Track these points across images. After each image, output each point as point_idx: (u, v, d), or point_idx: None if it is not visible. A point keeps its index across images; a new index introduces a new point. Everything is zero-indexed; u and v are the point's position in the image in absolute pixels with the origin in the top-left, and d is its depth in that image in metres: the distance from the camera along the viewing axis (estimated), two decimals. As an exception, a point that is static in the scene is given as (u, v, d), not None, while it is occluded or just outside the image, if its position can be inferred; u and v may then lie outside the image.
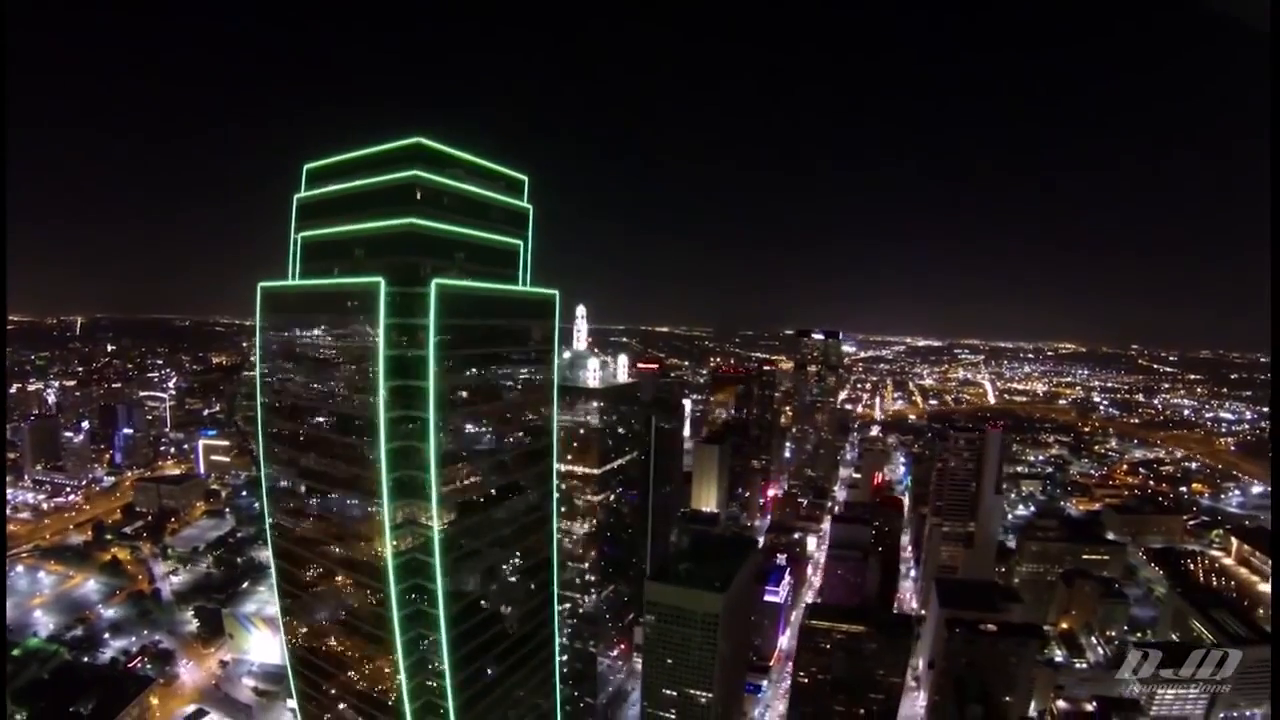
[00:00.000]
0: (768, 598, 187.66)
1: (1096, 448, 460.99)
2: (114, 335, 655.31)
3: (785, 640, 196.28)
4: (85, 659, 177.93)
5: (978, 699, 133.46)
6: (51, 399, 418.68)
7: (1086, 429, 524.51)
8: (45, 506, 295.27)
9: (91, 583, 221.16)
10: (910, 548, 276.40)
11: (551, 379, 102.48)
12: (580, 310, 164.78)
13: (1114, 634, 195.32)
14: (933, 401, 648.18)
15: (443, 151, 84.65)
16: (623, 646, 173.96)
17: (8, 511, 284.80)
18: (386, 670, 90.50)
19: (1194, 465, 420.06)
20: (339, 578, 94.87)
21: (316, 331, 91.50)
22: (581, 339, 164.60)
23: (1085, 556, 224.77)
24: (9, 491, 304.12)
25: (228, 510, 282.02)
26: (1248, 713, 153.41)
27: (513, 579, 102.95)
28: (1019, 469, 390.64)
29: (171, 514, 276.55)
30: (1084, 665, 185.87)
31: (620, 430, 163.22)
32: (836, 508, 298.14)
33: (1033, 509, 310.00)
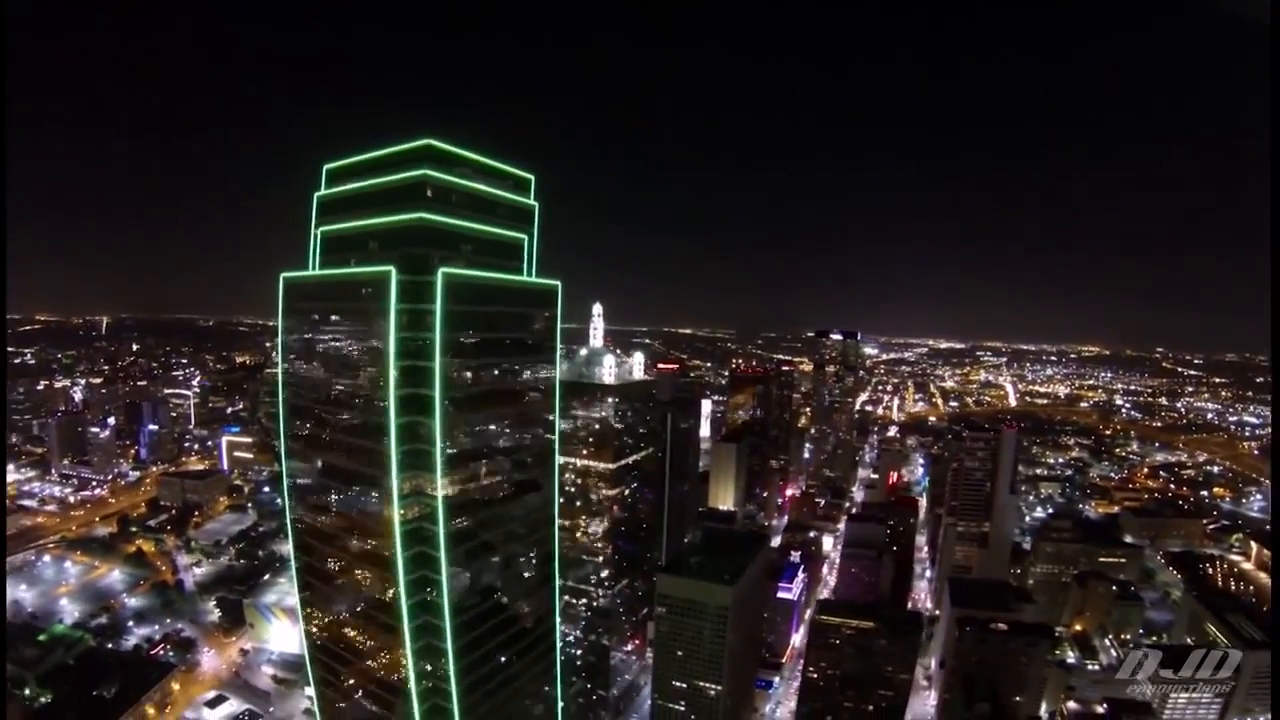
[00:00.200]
0: (781, 595, 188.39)
1: (1117, 451, 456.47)
2: (139, 335, 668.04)
3: (799, 638, 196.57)
4: (109, 645, 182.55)
5: (986, 697, 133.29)
6: (78, 396, 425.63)
7: (1108, 432, 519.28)
8: (72, 500, 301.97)
9: (116, 573, 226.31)
10: (926, 548, 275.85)
11: (553, 364, 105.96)
12: (596, 308, 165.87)
13: (1129, 637, 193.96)
14: (953, 403, 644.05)
15: (451, 152, 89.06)
16: (637, 642, 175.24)
17: (36, 504, 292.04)
18: (396, 657, 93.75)
19: (1216, 469, 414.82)
20: (356, 570, 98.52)
21: (336, 331, 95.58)
22: (598, 336, 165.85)
23: (1102, 559, 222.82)
24: (37, 485, 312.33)
25: (250, 505, 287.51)
26: (1261, 718, 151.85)
27: (513, 566, 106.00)
28: (1038, 471, 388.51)
29: (195, 508, 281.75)
30: (1096, 667, 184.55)
31: (636, 427, 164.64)
32: (854, 508, 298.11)
33: (1051, 511, 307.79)
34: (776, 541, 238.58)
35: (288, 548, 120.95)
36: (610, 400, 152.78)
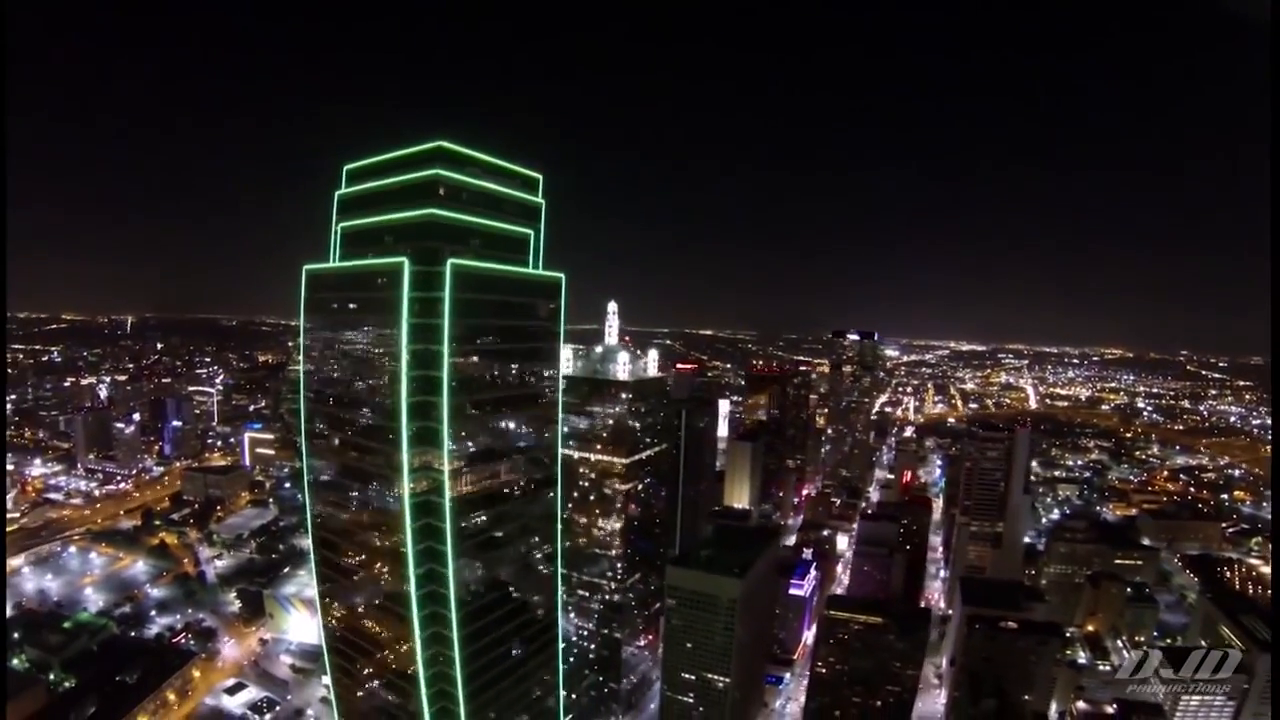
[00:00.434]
0: (793, 591, 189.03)
1: (1137, 453, 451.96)
2: (163, 334, 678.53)
3: (810, 635, 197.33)
4: (132, 633, 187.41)
5: (992, 693, 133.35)
6: (104, 393, 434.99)
7: (1128, 434, 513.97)
8: (97, 493, 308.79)
9: (140, 564, 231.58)
10: (941, 549, 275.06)
11: (557, 353, 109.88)
12: (611, 306, 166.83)
13: (1141, 638, 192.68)
14: (973, 405, 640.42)
15: (461, 153, 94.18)
16: (649, 636, 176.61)
17: (62, 497, 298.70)
18: (409, 649, 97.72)
19: (1238, 473, 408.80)
20: (373, 564, 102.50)
21: (354, 325, 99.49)
22: (613, 334, 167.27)
23: (1117, 560, 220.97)
24: (63, 479, 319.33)
25: (271, 500, 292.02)
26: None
27: (516, 557, 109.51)
28: (1057, 473, 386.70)
29: (217, 503, 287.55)
30: (1107, 668, 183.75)
31: (650, 422, 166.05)
32: (870, 508, 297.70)
33: (1068, 512, 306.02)
34: (791, 540, 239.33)
35: (307, 542, 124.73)
36: (624, 396, 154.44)
